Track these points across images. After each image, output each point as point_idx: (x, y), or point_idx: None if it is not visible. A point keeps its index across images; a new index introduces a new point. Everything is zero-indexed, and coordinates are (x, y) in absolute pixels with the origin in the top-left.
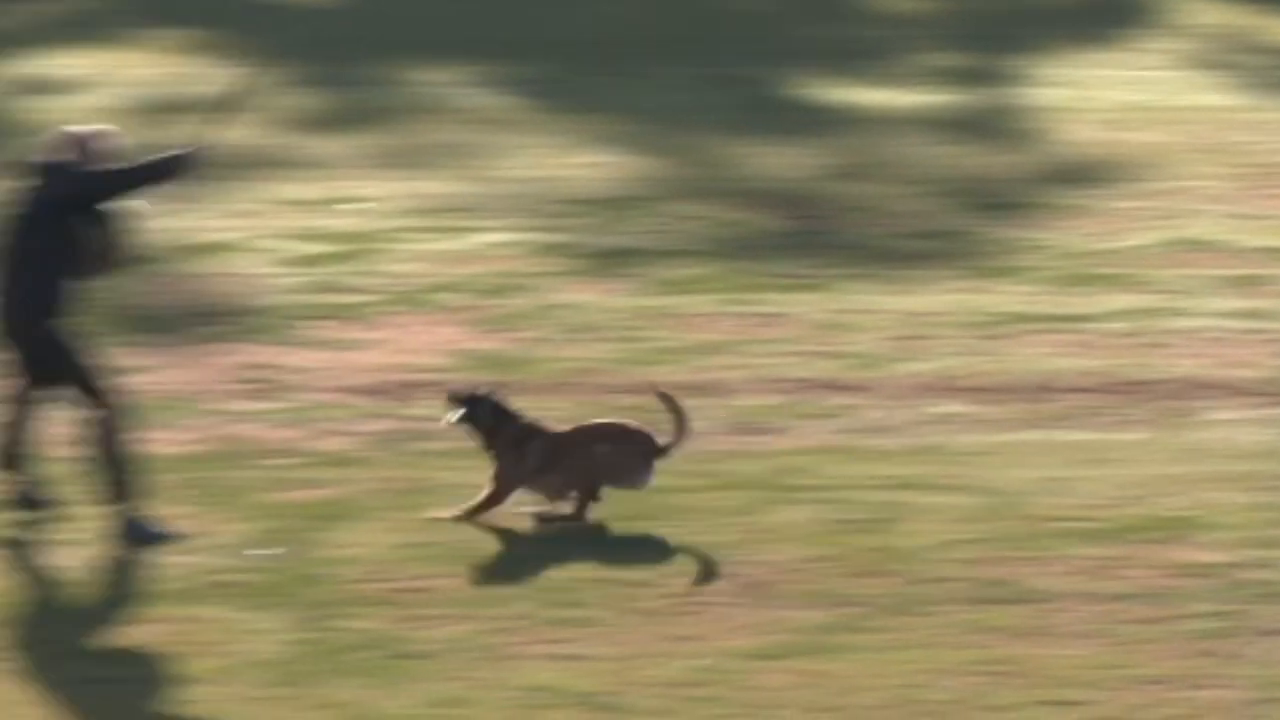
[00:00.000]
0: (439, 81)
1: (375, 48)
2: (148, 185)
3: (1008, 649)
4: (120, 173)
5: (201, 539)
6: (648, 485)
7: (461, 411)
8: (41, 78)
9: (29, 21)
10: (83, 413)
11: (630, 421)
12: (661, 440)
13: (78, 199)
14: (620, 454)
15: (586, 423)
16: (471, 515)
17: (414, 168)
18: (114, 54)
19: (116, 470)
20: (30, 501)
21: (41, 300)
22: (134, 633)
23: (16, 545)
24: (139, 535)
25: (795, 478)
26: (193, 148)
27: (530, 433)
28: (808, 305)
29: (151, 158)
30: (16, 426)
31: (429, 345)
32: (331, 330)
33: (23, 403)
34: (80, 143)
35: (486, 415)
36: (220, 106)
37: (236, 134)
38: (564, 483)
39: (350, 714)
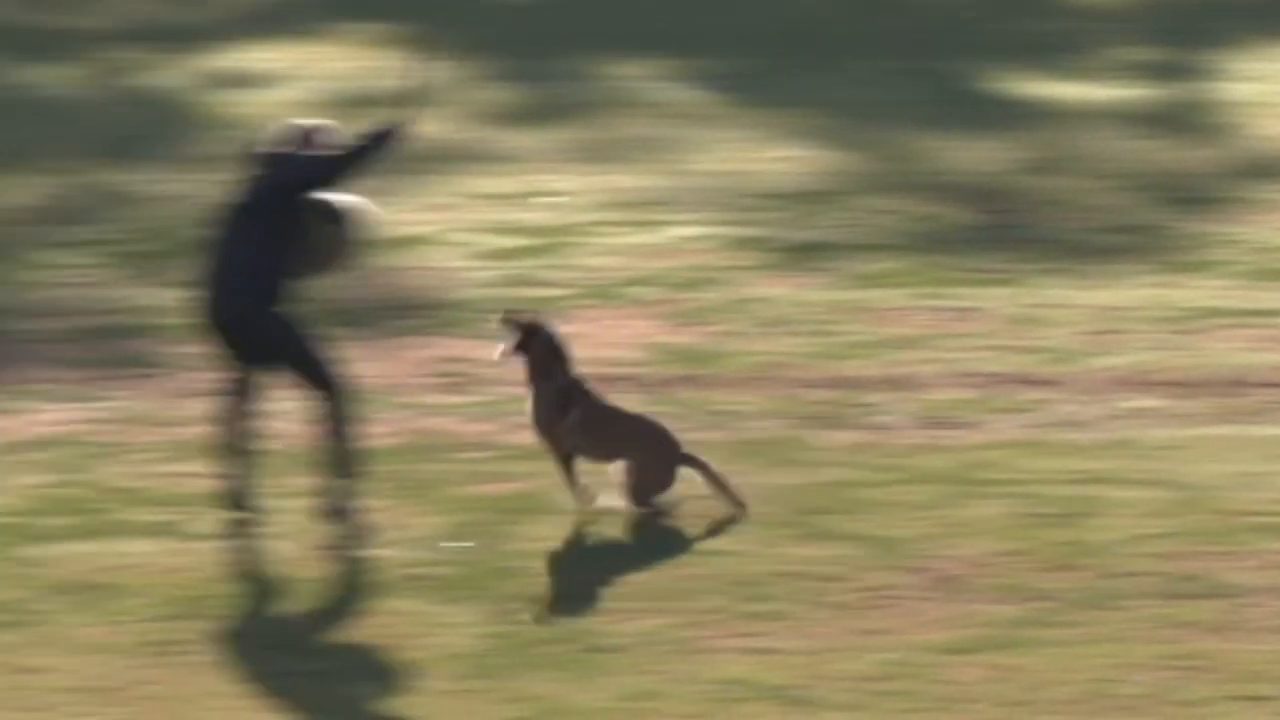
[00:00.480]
0: (633, 75)
1: (570, 42)
2: (364, 163)
3: (1199, 644)
4: (337, 156)
5: (395, 532)
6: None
7: (516, 340)
8: (237, 71)
9: (224, 16)
10: (306, 400)
11: (664, 427)
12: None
13: (297, 185)
14: (649, 467)
15: (631, 413)
16: (570, 487)
17: (608, 161)
18: (308, 48)
19: (339, 457)
20: (239, 497)
21: (261, 288)
22: (333, 626)
23: (224, 539)
24: (344, 521)
25: (987, 472)
26: (395, 123)
27: (576, 391)
28: (1001, 299)
29: (360, 136)
30: (233, 420)
31: (622, 339)
32: None
33: (237, 395)
34: (303, 136)
35: (539, 350)
36: (405, 100)
37: (429, 127)
38: (596, 456)
39: (542, 707)
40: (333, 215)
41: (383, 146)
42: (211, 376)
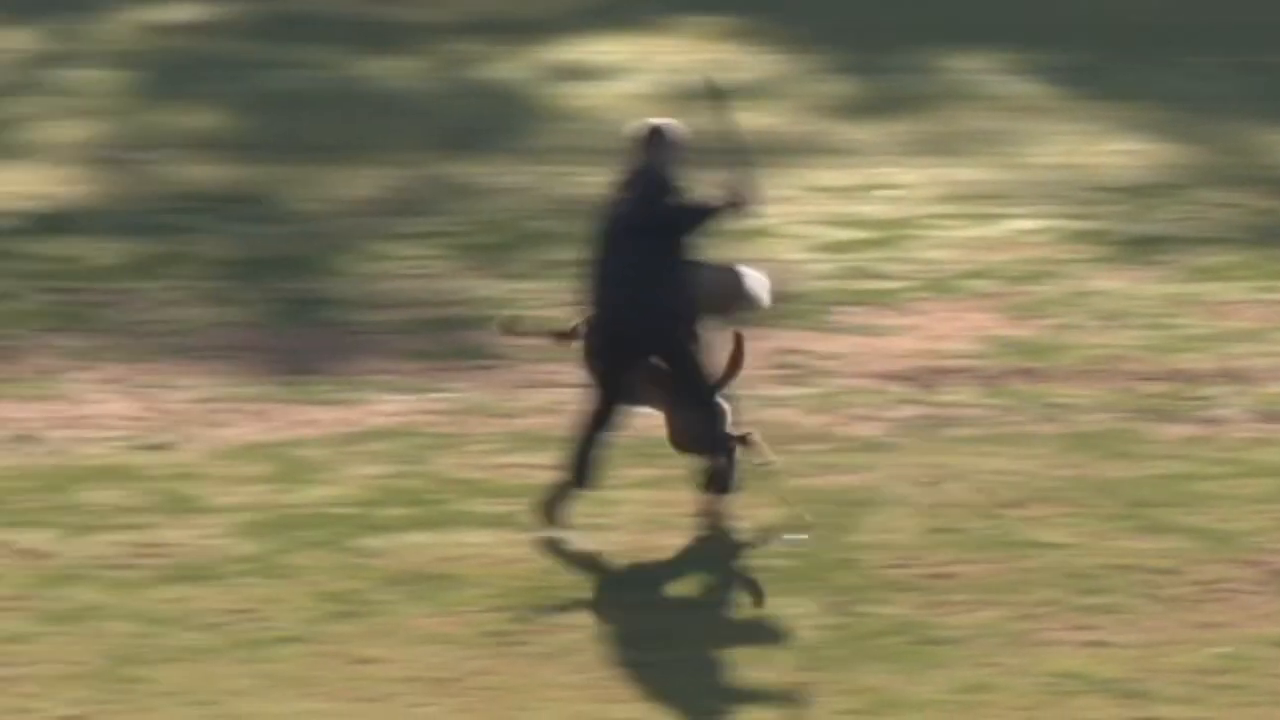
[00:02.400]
0: (972, 68)
1: (909, 34)
2: (719, 222)
3: None
4: (696, 216)
5: (736, 524)
6: None
7: None
8: (577, 64)
9: (565, 8)
10: (680, 427)
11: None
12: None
13: (661, 229)
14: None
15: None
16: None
17: (946, 154)
18: (648, 41)
19: (713, 462)
20: (564, 515)
21: (658, 309)
22: (670, 617)
23: (563, 530)
24: (718, 519)
25: None
26: (748, 189)
27: None
28: None
29: (720, 196)
30: (590, 441)
31: (959, 331)
32: (863, 316)
33: (603, 419)
34: (657, 135)
35: None
36: (720, 95)
37: (768, 120)
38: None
39: (876, 699)
40: (741, 296)
41: (736, 210)
42: (576, 377)
